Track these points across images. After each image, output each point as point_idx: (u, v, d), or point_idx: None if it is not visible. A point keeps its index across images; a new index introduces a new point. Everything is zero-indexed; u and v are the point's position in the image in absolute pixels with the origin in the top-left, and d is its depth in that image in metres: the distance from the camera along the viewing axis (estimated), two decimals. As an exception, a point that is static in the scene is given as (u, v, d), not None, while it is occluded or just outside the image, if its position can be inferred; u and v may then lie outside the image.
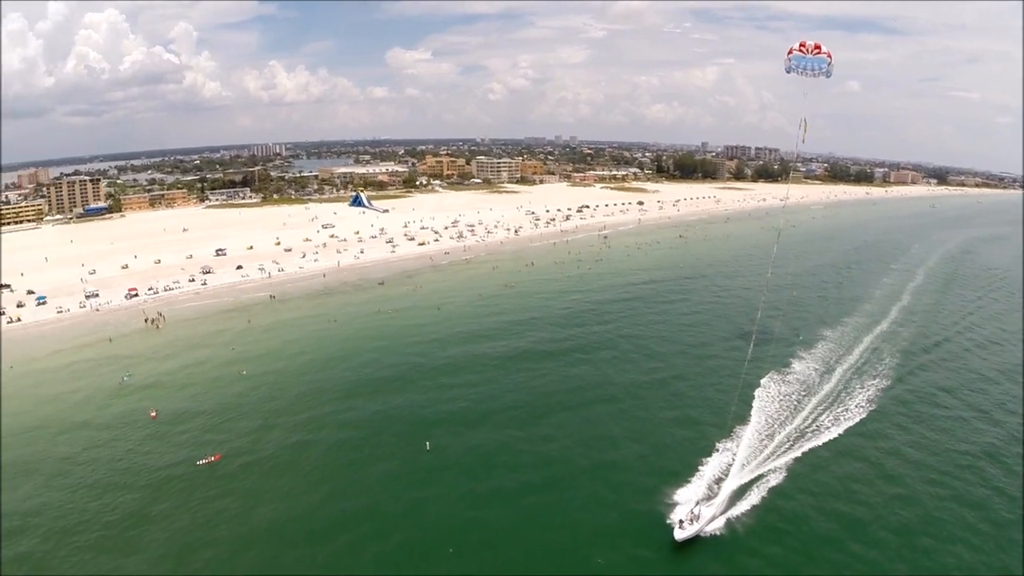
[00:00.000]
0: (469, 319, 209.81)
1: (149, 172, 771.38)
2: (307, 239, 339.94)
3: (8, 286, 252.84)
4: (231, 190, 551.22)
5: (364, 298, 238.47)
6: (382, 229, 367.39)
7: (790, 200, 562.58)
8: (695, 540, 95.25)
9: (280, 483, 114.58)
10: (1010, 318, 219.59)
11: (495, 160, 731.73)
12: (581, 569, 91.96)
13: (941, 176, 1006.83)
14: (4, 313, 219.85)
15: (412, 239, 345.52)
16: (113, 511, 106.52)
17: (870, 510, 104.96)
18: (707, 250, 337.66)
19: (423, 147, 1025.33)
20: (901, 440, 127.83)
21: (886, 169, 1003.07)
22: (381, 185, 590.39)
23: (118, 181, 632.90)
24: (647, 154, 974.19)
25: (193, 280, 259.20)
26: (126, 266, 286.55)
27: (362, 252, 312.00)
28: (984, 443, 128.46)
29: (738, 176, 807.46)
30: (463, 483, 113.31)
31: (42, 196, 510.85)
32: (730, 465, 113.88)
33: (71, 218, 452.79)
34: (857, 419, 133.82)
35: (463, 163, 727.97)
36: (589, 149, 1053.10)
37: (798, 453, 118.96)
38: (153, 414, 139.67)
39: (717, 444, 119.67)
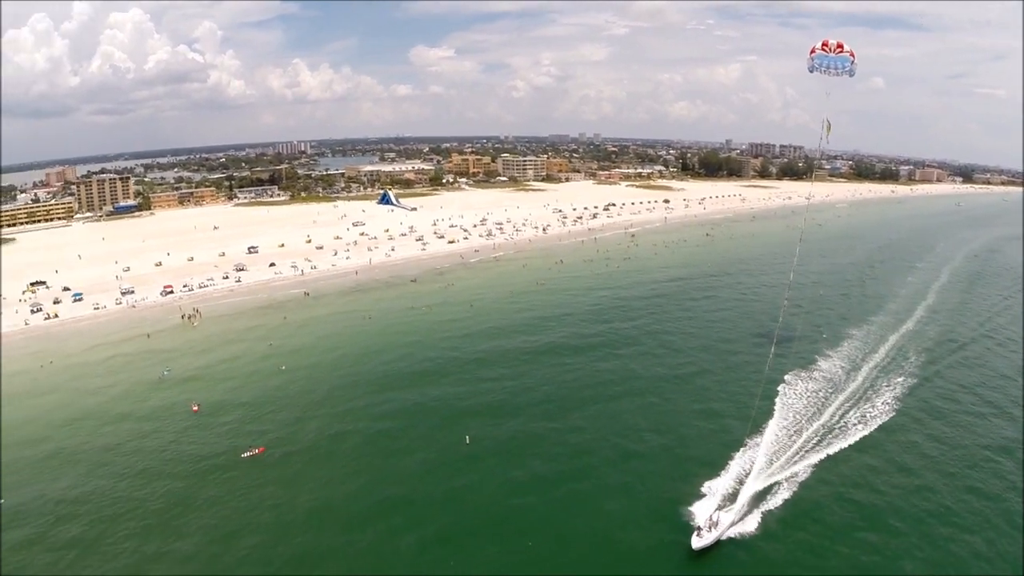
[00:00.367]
0: (501, 315, 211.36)
1: (176, 170, 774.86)
2: (337, 237, 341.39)
3: (44, 283, 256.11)
4: (259, 188, 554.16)
5: (397, 295, 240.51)
6: (411, 227, 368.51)
7: (815, 198, 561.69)
8: (713, 547, 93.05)
9: (321, 472, 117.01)
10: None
11: (521, 158, 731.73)
12: (609, 558, 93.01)
13: (966, 174, 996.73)
14: (41, 309, 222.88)
15: (442, 237, 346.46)
16: (159, 498, 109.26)
17: (898, 518, 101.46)
18: (733, 248, 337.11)
19: (447, 145, 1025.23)
20: (930, 446, 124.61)
21: (911, 167, 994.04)
22: (408, 183, 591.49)
23: (145, 179, 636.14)
24: (671, 152, 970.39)
25: (227, 277, 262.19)
26: (159, 263, 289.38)
27: (393, 250, 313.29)
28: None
29: (763, 174, 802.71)
30: (499, 472, 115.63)
31: (70, 194, 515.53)
32: (750, 468, 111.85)
33: (101, 216, 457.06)
34: (881, 421, 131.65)
35: (489, 161, 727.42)
36: (613, 147, 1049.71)
37: (821, 456, 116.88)
38: (195, 408, 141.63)
39: (740, 441, 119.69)
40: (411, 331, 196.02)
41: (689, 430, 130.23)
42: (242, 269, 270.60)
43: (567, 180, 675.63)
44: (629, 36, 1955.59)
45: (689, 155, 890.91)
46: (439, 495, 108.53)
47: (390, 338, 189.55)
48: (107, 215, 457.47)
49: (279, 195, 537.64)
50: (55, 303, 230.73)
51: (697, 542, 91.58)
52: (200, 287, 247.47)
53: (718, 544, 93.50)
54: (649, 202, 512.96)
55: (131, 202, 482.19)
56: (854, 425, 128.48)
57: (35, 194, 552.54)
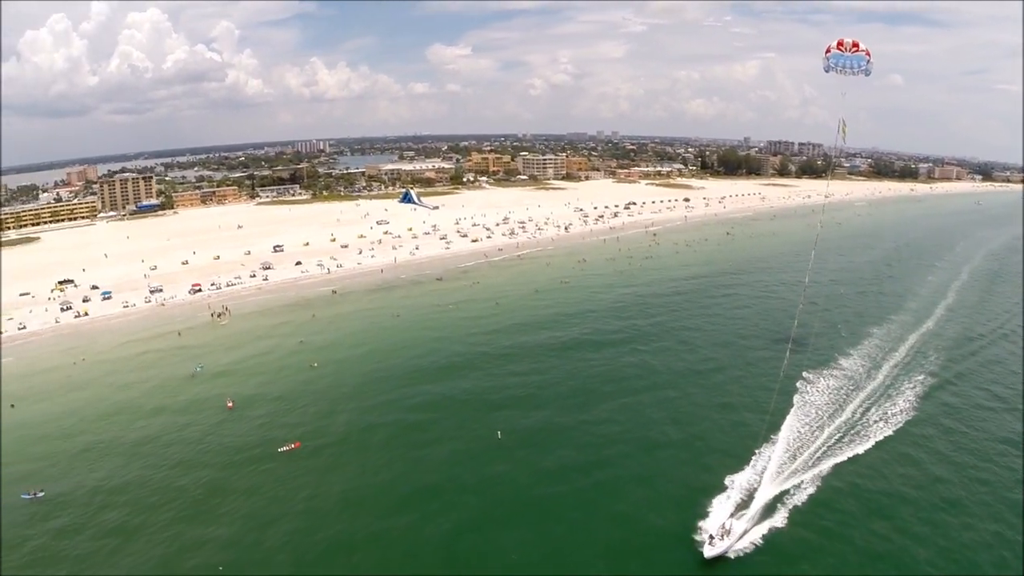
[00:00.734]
0: (526, 312, 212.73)
1: (196, 169, 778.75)
2: (361, 235, 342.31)
3: (72, 281, 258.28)
4: (280, 187, 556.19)
5: (423, 292, 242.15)
6: (435, 226, 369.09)
7: (835, 197, 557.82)
8: (725, 556, 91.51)
9: (355, 463, 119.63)
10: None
11: (540, 156, 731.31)
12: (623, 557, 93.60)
13: (986, 172, 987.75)
14: (71, 307, 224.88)
15: (465, 236, 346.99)
16: (197, 488, 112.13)
17: (920, 525, 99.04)
18: (753, 247, 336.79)
19: (465, 143, 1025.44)
20: (949, 449, 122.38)
21: (930, 165, 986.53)
22: (429, 182, 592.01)
23: (166, 178, 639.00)
24: (689, 149, 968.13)
25: (254, 276, 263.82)
26: (186, 262, 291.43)
27: (417, 249, 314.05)
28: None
29: (782, 172, 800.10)
30: (528, 462, 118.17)
31: (92, 193, 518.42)
32: (763, 473, 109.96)
33: (124, 215, 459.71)
34: (898, 424, 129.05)
35: (508, 159, 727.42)
36: (632, 145, 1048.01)
37: (836, 460, 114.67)
38: (230, 404, 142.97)
39: (756, 435, 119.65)
40: (439, 327, 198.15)
41: (708, 424, 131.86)
42: (269, 267, 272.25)
43: (587, 178, 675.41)
44: (646, 33, 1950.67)
45: (708, 153, 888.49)
46: (471, 483, 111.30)
47: (418, 334, 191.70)
48: (130, 214, 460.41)
49: (301, 194, 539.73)
50: (84, 301, 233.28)
51: (709, 550, 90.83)
52: (228, 285, 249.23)
53: (731, 551, 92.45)
54: (669, 200, 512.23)
55: (154, 201, 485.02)
56: (871, 427, 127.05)
57: (57, 193, 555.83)
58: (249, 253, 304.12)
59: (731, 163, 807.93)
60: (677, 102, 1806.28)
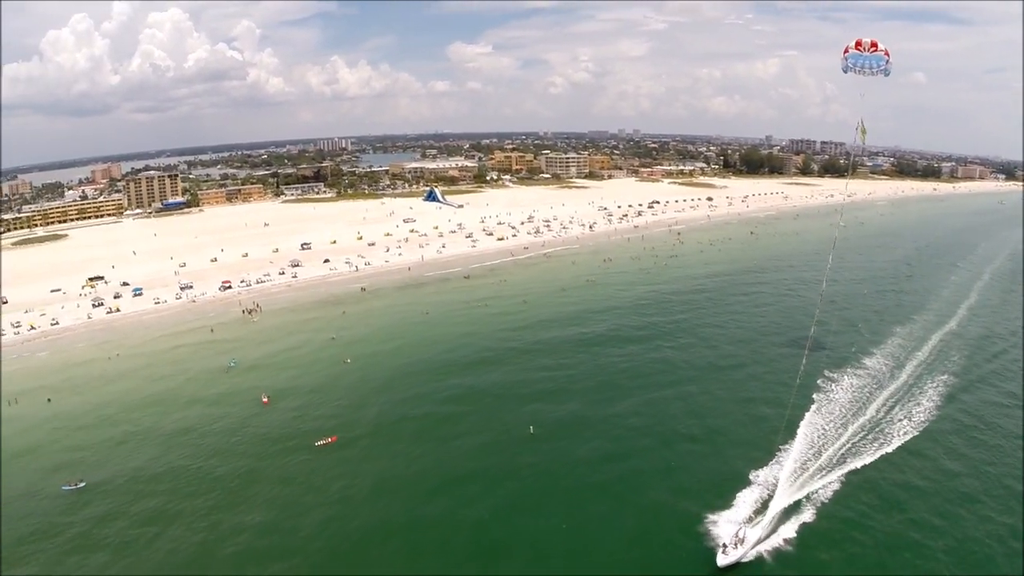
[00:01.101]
0: (553, 309, 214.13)
1: (219, 167, 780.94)
2: (388, 234, 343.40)
3: (102, 278, 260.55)
4: (305, 185, 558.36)
5: (451, 289, 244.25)
6: (460, 224, 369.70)
7: (857, 196, 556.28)
8: (739, 565, 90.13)
9: (391, 452, 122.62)
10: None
11: (563, 155, 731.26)
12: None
13: (1009, 171, 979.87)
14: (103, 303, 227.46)
15: (490, 234, 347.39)
16: (233, 478, 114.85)
17: (942, 540, 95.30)
18: (777, 246, 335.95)
19: (487, 141, 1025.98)
20: (969, 453, 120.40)
21: (953, 164, 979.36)
22: (452, 180, 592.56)
23: (190, 176, 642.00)
24: (711, 148, 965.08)
25: (283, 273, 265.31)
26: (215, 259, 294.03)
27: (444, 247, 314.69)
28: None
29: (804, 171, 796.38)
30: (559, 451, 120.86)
31: (117, 191, 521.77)
32: (778, 481, 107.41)
33: (150, 212, 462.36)
34: (919, 429, 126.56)
35: (531, 158, 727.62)
36: (653, 143, 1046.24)
37: (854, 465, 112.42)
38: (265, 400, 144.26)
39: (772, 437, 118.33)
40: (468, 323, 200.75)
41: (728, 420, 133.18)
42: (297, 265, 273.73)
43: (610, 177, 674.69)
44: (666, 31, 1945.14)
45: (730, 152, 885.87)
46: (502, 472, 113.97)
47: (448, 330, 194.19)
48: (156, 212, 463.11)
49: (325, 192, 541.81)
50: (116, 297, 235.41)
51: (723, 559, 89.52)
52: (257, 282, 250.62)
53: (745, 560, 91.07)
54: (692, 200, 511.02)
55: (180, 199, 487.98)
56: (890, 430, 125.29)
57: (82, 191, 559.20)
58: (277, 251, 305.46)
59: (753, 162, 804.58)
60: (698, 100, 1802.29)
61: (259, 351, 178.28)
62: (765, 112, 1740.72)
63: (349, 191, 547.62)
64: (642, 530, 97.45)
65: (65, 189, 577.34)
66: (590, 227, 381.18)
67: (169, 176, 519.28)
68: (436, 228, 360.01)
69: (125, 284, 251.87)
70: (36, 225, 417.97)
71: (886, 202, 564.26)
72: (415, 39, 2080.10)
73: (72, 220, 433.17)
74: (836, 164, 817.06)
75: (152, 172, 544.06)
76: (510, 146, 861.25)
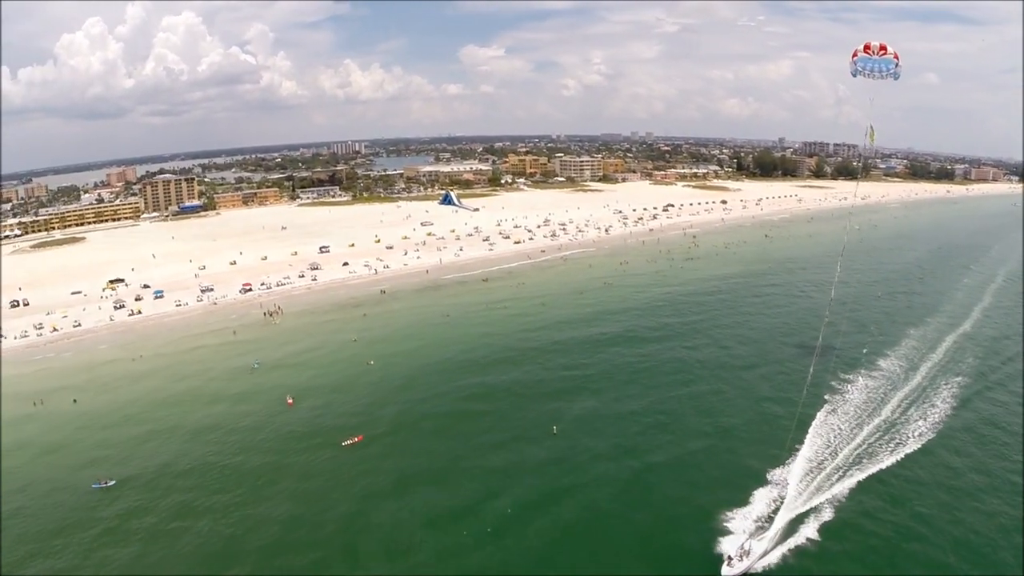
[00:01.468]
0: (571, 310, 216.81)
1: (233, 170, 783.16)
2: (405, 237, 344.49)
3: (122, 280, 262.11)
4: (320, 188, 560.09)
5: (470, 292, 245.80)
6: (477, 227, 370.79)
7: (871, 199, 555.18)
8: None
9: (414, 447, 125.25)
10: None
11: (577, 158, 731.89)
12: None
13: (1023, 173, 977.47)
14: (124, 306, 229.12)
15: (507, 237, 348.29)
16: (259, 474, 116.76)
17: (954, 553, 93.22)
18: (791, 249, 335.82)
19: (500, 144, 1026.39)
20: (990, 468, 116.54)
21: (966, 165, 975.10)
22: (467, 183, 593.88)
23: (205, 179, 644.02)
24: (724, 150, 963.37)
25: (303, 276, 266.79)
26: (234, 262, 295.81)
27: (461, 250, 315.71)
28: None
29: (818, 174, 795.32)
30: (580, 446, 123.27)
31: (133, 194, 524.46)
32: (784, 492, 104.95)
33: (167, 216, 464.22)
34: (930, 434, 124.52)
35: (545, 161, 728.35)
36: (666, 146, 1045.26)
37: (864, 475, 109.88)
38: (290, 400, 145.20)
39: (782, 437, 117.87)
40: (487, 324, 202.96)
41: (739, 420, 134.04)
42: (317, 268, 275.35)
43: (624, 180, 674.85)
44: (679, 33, 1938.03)
45: (744, 154, 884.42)
46: (524, 467, 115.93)
47: (468, 330, 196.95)
48: (173, 215, 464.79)
49: (341, 195, 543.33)
50: (137, 300, 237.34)
51: (727, 571, 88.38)
52: (278, 285, 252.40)
53: (750, 573, 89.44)
54: (707, 203, 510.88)
55: (196, 202, 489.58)
56: (901, 438, 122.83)
57: (99, 194, 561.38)
58: (296, 254, 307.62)
59: (767, 164, 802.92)
60: (711, 102, 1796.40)
61: (282, 352, 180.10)
62: (778, 114, 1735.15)
63: (364, 194, 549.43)
64: (656, 530, 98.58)
65: (81, 192, 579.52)
66: (606, 230, 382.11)
67: (186, 179, 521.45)
68: (453, 231, 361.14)
69: (146, 287, 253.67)
70: (54, 228, 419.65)
71: (899, 204, 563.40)
72: (427, 42, 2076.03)
73: (89, 223, 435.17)
74: (849, 166, 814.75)
75: (168, 175, 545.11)
76: (523, 149, 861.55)
